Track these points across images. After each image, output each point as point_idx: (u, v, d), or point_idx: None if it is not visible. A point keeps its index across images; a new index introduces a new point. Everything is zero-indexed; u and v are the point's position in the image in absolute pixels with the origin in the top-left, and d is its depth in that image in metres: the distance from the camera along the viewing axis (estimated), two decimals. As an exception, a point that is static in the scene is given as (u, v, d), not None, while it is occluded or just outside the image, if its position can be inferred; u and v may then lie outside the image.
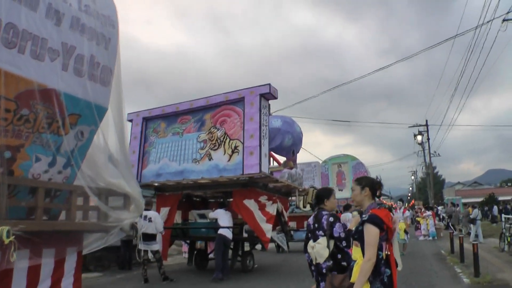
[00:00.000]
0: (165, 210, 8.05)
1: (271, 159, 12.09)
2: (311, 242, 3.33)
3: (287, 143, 8.17)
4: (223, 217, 7.23)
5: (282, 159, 10.17)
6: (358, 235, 2.58)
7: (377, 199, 2.79)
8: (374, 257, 2.41)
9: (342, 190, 19.89)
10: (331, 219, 3.28)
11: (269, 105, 7.08)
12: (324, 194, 3.50)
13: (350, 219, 10.20)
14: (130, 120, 8.65)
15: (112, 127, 4.24)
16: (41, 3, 3.41)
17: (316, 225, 3.32)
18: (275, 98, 7.03)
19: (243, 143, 6.81)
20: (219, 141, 7.25)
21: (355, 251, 2.74)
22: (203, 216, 7.87)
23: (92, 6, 4.04)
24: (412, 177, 51.80)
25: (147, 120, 8.50)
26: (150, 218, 7.03)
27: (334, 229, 3.23)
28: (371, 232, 2.44)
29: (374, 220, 2.47)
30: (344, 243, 3.21)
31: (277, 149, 8.36)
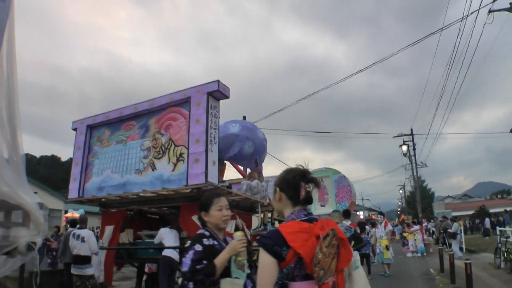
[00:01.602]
0: (109, 229, 7.06)
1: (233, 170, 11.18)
2: None
3: (248, 151, 7.29)
4: (168, 237, 6.27)
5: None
6: None
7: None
8: None
9: (324, 206, 18.91)
10: (187, 243, 2.29)
11: (219, 105, 6.22)
12: (201, 205, 2.44)
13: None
14: (75, 129, 7.74)
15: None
16: None
17: None
18: (227, 97, 6.19)
19: (188, 150, 5.92)
20: (163, 148, 6.36)
21: None
22: (151, 237, 6.87)
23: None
24: (401, 191, 50.93)
25: (91, 128, 7.58)
26: (83, 237, 6.09)
27: (184, 259, 2.20)
28: (261, 263, 1.49)
29: (265, 241, 1.51)
30: (191, 285, 2.14)
31: (237, 158, 7.47)
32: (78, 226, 6.55)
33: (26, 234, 3.64)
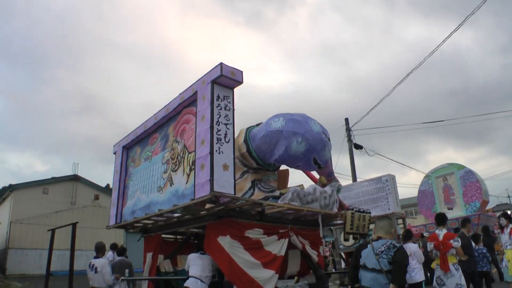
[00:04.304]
0: (149, 256, 6.28)
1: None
2: None
3: (297, 149, 5.65)
4: (195, 263, 5.10)
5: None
6: None
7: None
8: None
9: (452, 209, 15.48)
10: None
11: (232, 94, 4.89)
12: None
13: (415, 251, 6.90)
14: (115, 153, 7.32)
15: None
16: None
17: None
18: (239, 82, 4.83)
19: (195, 154, 4.72)
20: (179, 158, 5.29)
21: None
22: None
23: None
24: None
25: (127, 148, 7.05)
26: (97, 267, 5.39)
27: None
28: None
29: None
30: None
31: (285, 160, 5.88)
32: (95, 255, 5.93)
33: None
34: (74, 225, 6.71)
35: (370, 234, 10.21)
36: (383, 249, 3.20)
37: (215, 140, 4.45)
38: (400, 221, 10.33)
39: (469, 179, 14.64)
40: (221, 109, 4.69)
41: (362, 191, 10.19)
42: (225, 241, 4.77)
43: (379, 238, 3.35)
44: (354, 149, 17.80)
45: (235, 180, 4.53)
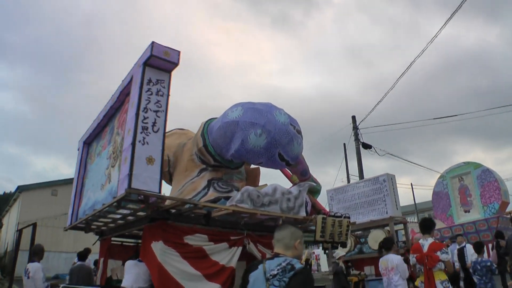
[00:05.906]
0: (101, 262, 5.79)
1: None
2: None
3: (256, 142, 4.94)
4: (129, 272, 4.50)
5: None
6: None
7: None
8: None
9: (469, 212, 14.25)
10: None
11: (169, 78, 4.29)
12: None
13: (397, 264, 6.02)
14: (79, 149, 6.89)
15: None
16: None
17: None
18: (175, 64, 4.21)
19: (122, 146, 4.17)
20: (117, 152, 4.74)
21: None
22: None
23: None
24: None
25: (88, 144, 6.59)
26: (29, 272, 4.95)
27: None
28: None
29: None
30: None
31: (244, 156, 5.16)
32: (31, 258, 5.50)
33: None
34: (34, 226, 6.34)
35: (362, 241, 9.37)
36: (276, 272, 2.17)
37: (139, 129, 3.87)
38: (401, 226, 9.41)
39: (487, 178, 13.38)
40: (151, 94, 4.10)
41: (357, 193, 9.33)
42: (157, 247, 4.16)
43: (275, 255, 2.34)
44: (375, 152, 16.83)
45: (161, 176, 3.93)
